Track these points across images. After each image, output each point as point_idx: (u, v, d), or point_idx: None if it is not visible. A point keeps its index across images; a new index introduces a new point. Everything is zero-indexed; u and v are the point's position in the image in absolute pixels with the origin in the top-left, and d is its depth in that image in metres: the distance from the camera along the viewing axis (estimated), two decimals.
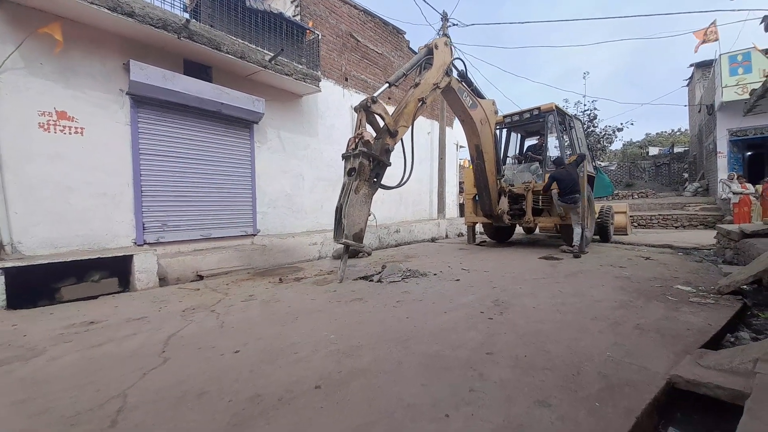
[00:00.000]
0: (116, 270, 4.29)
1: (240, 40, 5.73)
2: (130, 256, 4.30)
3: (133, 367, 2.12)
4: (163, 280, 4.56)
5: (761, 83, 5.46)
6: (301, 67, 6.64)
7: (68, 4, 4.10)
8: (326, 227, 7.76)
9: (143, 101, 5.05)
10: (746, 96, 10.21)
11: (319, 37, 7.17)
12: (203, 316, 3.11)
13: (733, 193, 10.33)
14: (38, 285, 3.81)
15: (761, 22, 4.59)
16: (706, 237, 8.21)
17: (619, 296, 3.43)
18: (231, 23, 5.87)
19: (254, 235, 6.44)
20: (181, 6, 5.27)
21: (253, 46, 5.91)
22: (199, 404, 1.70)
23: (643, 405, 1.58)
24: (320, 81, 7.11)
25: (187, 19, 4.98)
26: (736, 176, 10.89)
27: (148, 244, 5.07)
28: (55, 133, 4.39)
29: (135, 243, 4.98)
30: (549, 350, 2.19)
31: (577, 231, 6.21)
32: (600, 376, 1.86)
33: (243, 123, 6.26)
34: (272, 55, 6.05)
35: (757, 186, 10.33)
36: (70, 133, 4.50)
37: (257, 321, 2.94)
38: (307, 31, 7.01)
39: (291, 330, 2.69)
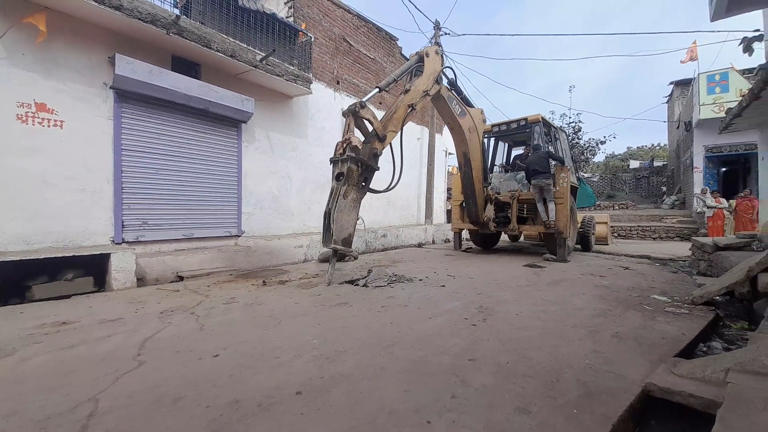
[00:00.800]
0: (92, 269, 4.14)
1: (231, 39, 5.67)
2: (107, 255, 4.16)
3: (107, 371, 2.04)
4: (141, 281, 4.42)
5: (737, 102, 5.72)
6: (292, 68, 6.62)
7: None
8: (313, 230, 7.70)
9: (128, 96, 4.92)
10: (722, 114, 10.69)
11: (312, 39, 7.17)
12: (182, 319, 3.02)
13: (707, 207, 10.77)
14: (8, 282, 3.64)
15: (740, 44, 4.81)
16: (682, 249, 8.51)
17: (598, 305, 3.51)
18: (222, 21, 5.81)
19: (238, 236, 6.33)
20: (172, 1, 5.19)
21: (245, 46, 5.86)
22: (174, 410, 1.65)
23: (619, 412, 1.61)
24: (311, 83, 7.09)
25: (177, 15, 4.90)
26: (708, 191, 11.36)
27: (127, 242, 4.91)
28: (33, 125, 4.24)
29: (113, 241, 4.82)
30: (530, 357, 2.22)
31: (540, 208, 6.66)
32: (579, 383, 1.89)
33: (231, 122, 6.18)
34: (264, 55, 6.01)
35: (731, 201, 10.80)
36: (48, 126, 4.35)
37: (239, 324, 2.87)
38: (300, 33, 7.00)
39: (273, 334, 2.64)
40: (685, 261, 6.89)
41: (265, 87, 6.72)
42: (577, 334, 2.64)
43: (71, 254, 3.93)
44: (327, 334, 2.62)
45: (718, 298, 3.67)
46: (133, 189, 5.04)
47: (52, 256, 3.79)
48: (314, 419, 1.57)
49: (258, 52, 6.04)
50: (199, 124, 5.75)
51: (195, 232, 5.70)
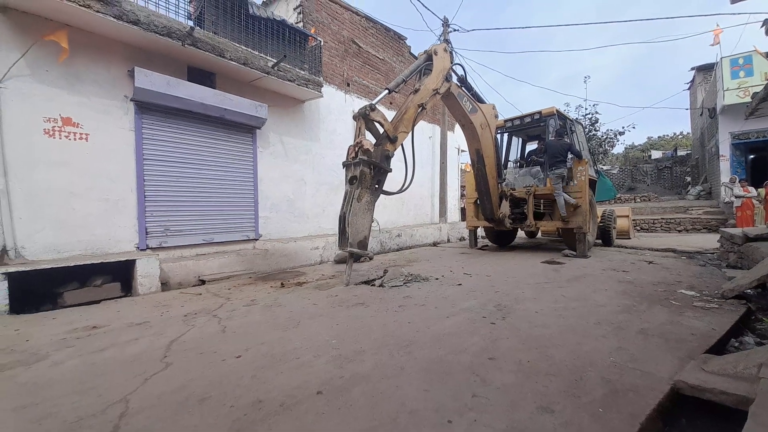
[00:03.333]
0: (119, 275, 4.30)
1: (243, 47, 5.80)
2: (133, 261, 4.32)
3: (135, 372, 2.12)
4: (165, 285, 4.57)
5: (763, 86, 5.46)
6: (303, 73, 6.71)
7: (74, 12, 4.17)
8: (328, 231, 7.77)
9: (147, 107, 5.10)
10: (748, 99, 10.20)
11: (321, 43, 7.25)
12: (205, 321, 3.11)
13: (735, 197, 10.29)
14: (41, 290, 3.83)
15: (762, 26, 4.60)
16: (710, 241, 8.15)
17: (622, 301, 3.41)
18: (234, 30, 5.94)
19: (256, 239, 6.46)
20: (185, 14, 5.34)
21: (256, 53, 5.98)
22: (200, 409, 1.70)
23: (647, 411, 1.57)
24: (322, 86, 7.17)
25: (191, 27, 5.04)
26: (737, 180, 10.86)
27: (151, 248, 5.09)
28: (60, 139, 4.44)
29: (137, 248, 5.00)
30: (552, 355, 2.18)
31: (560, 202, 6.54)
32: (603, 381, 1.84)
33: (246, 128, 6.31)
34: (275, 61, 6.11)
35: (760, 189, 10.29)
36: (74, 140, 4.55)
37: (259, 326, 2.94)
38: (310, 37, 7.08)
39: (293, 335, 2.68)
40: (713, 253, 6.60)
41: (277, 92, 6.84)
42: (600, 331, 2.58)
43: (99, 261, 4.10)
44: (345, 335, 2.65)
45: (749, 291, 3.51)
46: (154, 197, 5.22)
47: (81, 263, 3.97)
48: (335, 418, 1.59)
49: (269, 58, 6.14)
50: (215, 132, 5.90)
51: (215, 236, 5.85)
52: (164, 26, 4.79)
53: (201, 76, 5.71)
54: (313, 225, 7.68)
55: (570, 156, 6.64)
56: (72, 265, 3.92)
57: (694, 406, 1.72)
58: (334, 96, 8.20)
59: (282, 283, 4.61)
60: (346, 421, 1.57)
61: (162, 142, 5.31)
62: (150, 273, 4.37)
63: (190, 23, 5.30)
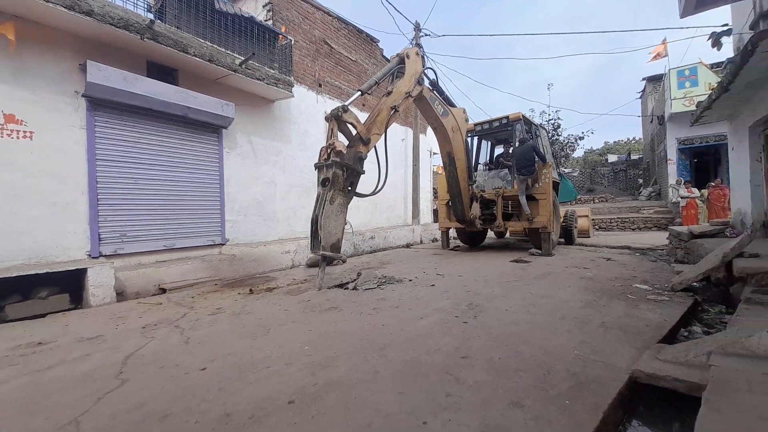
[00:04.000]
0: (68, 285, 3.96)
1: (208, 43, 5.56)
2: (84, 270, 3.99)
3: (87, 391, 1.95)
4: (121, 295, 4.26)
5: (707, 96, 5.98)
6: (273, 71, 6.54)
7: (22, 2, 3.82)
8: (300, 235, 7.61)
9: (101, 104, 4.75)
10: (693, 108, 11.17)
11: (292, 42, 7.11)
12: (166, 333, 2.93)
13: (681, 197, 11.21)
14: None
15: (708, 39, 5.02)
16: (660, 238, 8.82)
17: (584, 296, 3.59)
18: (199, 25, 5.69)
19: (222, 244, 6.19)
20: (145, 6, 5.04)
21: (223, 50, 5.75)
22: (161, 428, 1.58)
23: (609, 400, 1.65)
24: (293, 86, 7.02)
25: (151, 20, 4.77)
26: (683, 182, 11.83)
27: (105, 256, 4.73)
28: (2, 137, 4.03)
29: (89, 255, 4.63)
30: (521, 351, 2.25)
31: (522, 201, 6.85)
32: (569, 374, 1.92)
33: (211, 128, 6.05)
34: (243, 59, 5.91)
35: (703, 190, 11.27)
36: (18, 138, 4.15)
37: (226, 335, 2.80)
38: (280, 36, 6.93)
39: (263, 343, 2.58)
40: (663, 250, 7.14)
41: (245, 91, 6.62)
42: (565, 326, 2.69)
43: (44, 271, 3.75)
44: (318, 340, 2.59)
45: (695, 284, 3.82)
46: (109, 200, 4.86)
47: (24, 273, 3.61)
48: (309, 428, 1.54)
49: (237, 56, 5.93)
50: (177, 131, 5.61)
51: (177, 242, 5.54)
52: (121, 18, 4.49)
53: (162, 72, 5.41)
54: (284, 228, 7.49)
55: (536, 160, 6.94)
56: (14, 275, 3.55)
57: (650, 393, 1.83)
58: (305, 96, 8.06)
59: (251, 290, 4.44)
60: (319, 429, 1.52)
61: (118, 141, 4.97)
62: (103, 282, 4.05)
63: (150, 16, 5.01)
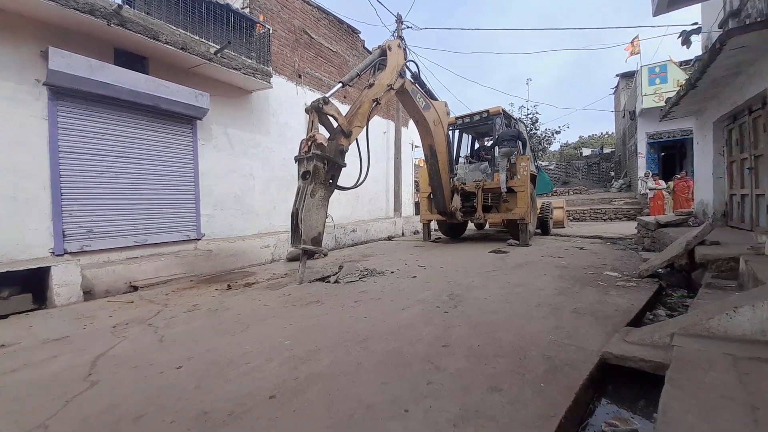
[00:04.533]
0: (30, 285, 3.73)
1: (181, 30, 5.30)
2: (47, 268, 3.77)
3: (55, 394, 1.86)
4: (88, 294, 4.07)
5: (676, 92, 6.26)
6: (250, 61, 6.32)
7: None
8: (280, 229, 7.48)
9: (65, 93, 4.46)
10: (662, 104, 11.68)
11: (270, 31, 6.89)
12: (139, 331, 2.82)
13: (649, 189, 11.76)
14: None
15: (679, 37, 5.23)
16: (629, 228, 9.24)
17: (558, 284, 3.73)
18: (171, 12, 5.40)
19: (198, 239, 6.00)
20: None
21: (197, 38, 5.50)
22: (135, 429, 1.53)
23: (580, 382, 1.72)
24: (272, 77, 6.82)
25: (119, 5, 4.49)
26: (651, 174, 12.41)
27: (70, 253, 4.49)
28: None
29: (53, 253, 4.38)
30: (500, 338, 2.31)
31: (502, 178, 7.12)
32: (544, 358, 1.99)
33: (185, 119, 5.80)
34: (218, 47, 5.68)
35: (669, 182, 11.86)
36: None
37: (203, 332, 2.73)
38: (257, 24, 6.69)
39: (242, 339, 2.54)
40: (631, 239, 7.49)
41: (221, 81, 6.38)
42: (540, 313, 2.78)
43: (4, 270, 3.52)
44: (299, 334, 2.57)
45: (661, 270, 4.03)
46: (74, 195, 4.60)
47: None
48: (290, 422, 1.53)
49: (212, 44, 5.69)
50: (148, 122, 5.34)
51: (149, 237, 5.32)
52: (86, 2, 4.20)
53: (131, 60, 5.12)
54: (263, 222, 7.34)
55: (518, 142, 7.20)
56: None
57: (618, 373, 1.92)
58: (284, 87, 7.86)
59: (229, 285, 4.34)
60: (301, 423, 1.51)
61: (83, 132, 4.69)
62: (69, 281, 3.85)
63: (118, 1, 4.72)
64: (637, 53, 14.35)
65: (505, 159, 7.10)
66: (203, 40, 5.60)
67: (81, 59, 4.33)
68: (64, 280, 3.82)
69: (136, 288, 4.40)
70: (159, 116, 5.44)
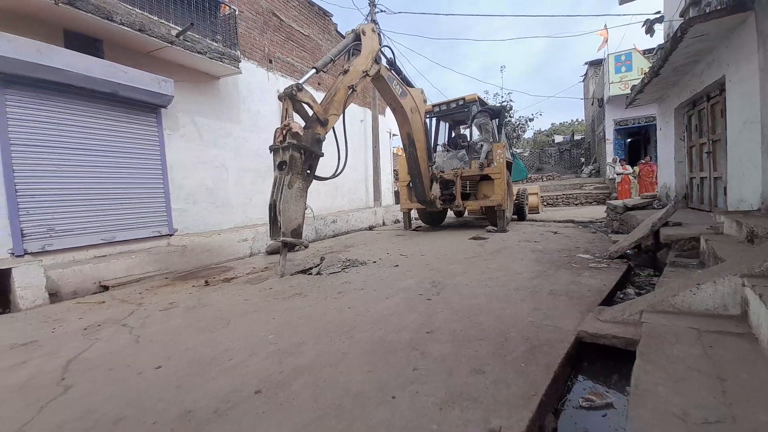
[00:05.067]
0: None
1: (138, 11, 4.94)
2: (7, 270, 3.52)
3: (27, 401, 1.75)
4: (54, 296, 3.84)
5: (640, 80, 6.51)
6: (216, 44, 6.00)
7: None
8: (257, 222, 7.30)
9: (11, 80, 4.08)
10: (628, 91, 12.17)
11: (236, 12, 6.55)
12: (112, 333, 2.70)
13: (617, 174, 12.32)
14: None
15: (643, 25, 5.41)
16: (599, 212, 9.69)
17: (535, 267, 3.86)
18: None
19: (170, 235, 5.76)
20: None
21: (155, 18, 5.15)
22: None
23: (558, 360, 1.81)
24: (240, 62, 6.52)
25: None
26: (618, 159, 12.98)
27: (31, 254, 4.20)
28: None
29: (13, 254, 4.08)
30: (481, 322, 2.38)
31: (485, 149, 7.53)
32: (524, 339, 2.07)
33: (148, 107, 5.47)
34: (180, 29, 5.35)
35: (635, 167, 12.46)
36: None
37: (181, 330, 2.64)
38: (222, 5, 6.34)
39: (223, 336, 2.48)
40: (601, 222, 7.86)
41: (185, 66, 6.03)
42: (519, 296, 2.88)
43: None
44: (283, 328, 2.53)
45: (629, 251, 4.26)
46: (31, 191, 4.27)
47: None
48: (277, 415, 1.51)
49: (173, 26, 5.35)
50: (108, 111, 5.00)
51: (116, 234, 5.05)
52: None
53: (83, 43, 4.74)
54: (239, 215, 7.13)
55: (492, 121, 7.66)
56: None
57: (593, 350, 2.03)
58: (255, 73, 7.55)
59: (206, 281, 4.21)
60: (288, 416, 1.51)
61: (36, 123, 4.33)
62: (32, 283, 3.61)
63: None
64: (605, 41, 14.77)
65: (481, 131, 7.55)
66: (163, 21, 5.25)
67: (28, 42, 3.97)
68: (27, 282, 3.58)
69: (106, 288, 4.19)
70: (119, 104, 5.10)
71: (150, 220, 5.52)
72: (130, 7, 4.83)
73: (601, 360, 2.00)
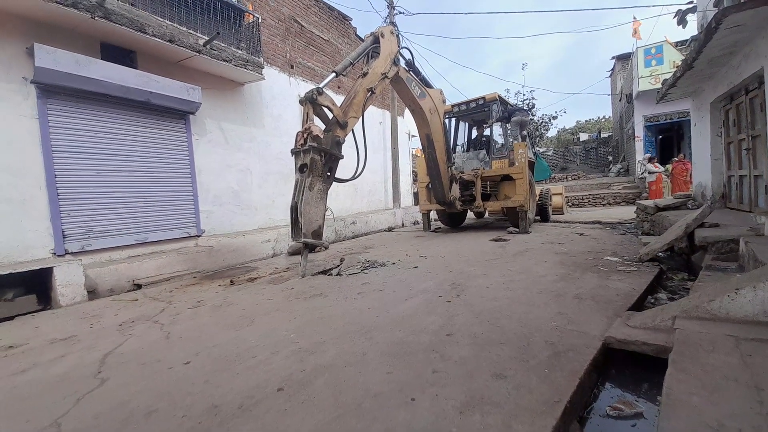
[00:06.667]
0: (34, 286, 3.74)
1: (168, 22, 5.18)
2: (50, 269, 3.77)
3: (65, 393, 1.88)
4: (92, 293, 4.08)
5: (672, 73, 6.19)
6: (240, 52, 6.21)
7: None
8: (279, 223, 7.47)
9: (53, 91, 4.38)
10: (659, 86, 11.59)
11: (260, 20, 6.75)
12: (145, 329, 2.84)
13: (649, 173, 11.74)
14: None
15: (674, 17, 5.14)
16: (628, 212, 9.27)
17: (559, 270, 3.75)
18: (157, 3, 5.27)
19: (198, 236, 5.99)
20: None
21: (184, 29, 5.38)
22: (147, 424, 1.55)
23: (584, 366, 1.75)
24: (263, 68, 6.71)
25: None
26: (651, 158, 12.39)
27: (71, 253, 4.48)
28: None
29: (54, 253, 4.37)
30: (502, 325, 2.33)
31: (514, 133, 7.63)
32: (547, 344, 2.02)
33: (177, 114, 5.73)
34: (207, 39, 5.57)
35: (667, 165, 11.85)
36: None
37: (208, 328, 2.75)
38: (246, 14, 6.55)
39: (247, 333, 2.56)
40: (631, 223, 7.52)
41: (212, 74, 6.27)
42: (542, 299, 2.81)
43: (6, 272, 3.52)
44: (304, 327, 2.59)
45: (661, 254, 4.06)
46: (71, 194, 4.57)
47: None
48: (299, 413, 1.55)
49: (201, 36, 5.58)
50: (141, 118, 5.27)
51: (149, 235, 5.31)
52: None
53: (118, 54, 5.02)
54: (262, 217, 7.32)
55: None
56: None
57: (621, 357, 1.95)
58: (277, 78, 7.75)
59: (231, 281, 4.36)
60: (310, 414, 1.54)
61: (75, 130, 4.63)
62: (72, 281, 3.85)
63: None
64: (637, 35, 14.12)
65: (517, 126, 7.47)
66: (191, 31, 5.48)
67: (67, 55, 4.25)
68: (68, 280, 3.83)
69: (139, 286, 4.41)
70: (151, 112, 5.37)
71: (180, 221, 5.77)
72: (161, 20, 5.08)
73: (630, 368, 1.92)
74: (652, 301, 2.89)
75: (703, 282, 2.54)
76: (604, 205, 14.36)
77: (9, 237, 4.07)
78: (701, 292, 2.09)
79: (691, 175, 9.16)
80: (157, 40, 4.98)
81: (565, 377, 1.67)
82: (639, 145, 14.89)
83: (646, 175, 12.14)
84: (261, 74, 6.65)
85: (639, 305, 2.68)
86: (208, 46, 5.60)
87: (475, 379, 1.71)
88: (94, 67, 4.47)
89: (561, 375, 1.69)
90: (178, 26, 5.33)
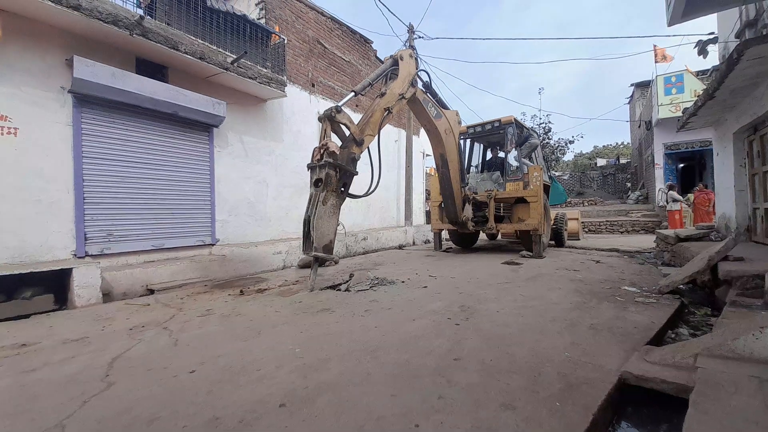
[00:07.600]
0: (52, 286, 3.86)
1: (199, 41, 5.49)
2: (69, 270, 3.89)
3: (73, 394, 1.90)
4: (107, 296, 4.17)
5: (693, 102, 6.11)
6: (265, 71, 6.49)
7: None
8: (292, 235, 7.55)
9: (88, 101, 4.66)
10: (679, 114, 11.42)
11: (285, 41, 7.07)
12: (154, 334, 2.87)
13: (673, 201, 11.38)
14: None
15: (695, 47, 5.13)
16: (647, 241, 8.99)
17: (574, 298, 3.63)
18: (190, 23, 5.62)
19: (213, 244, 6.11)
20: (135, 1, 4.96)
21: (214, 48, 5.69)
22: None
23: (598, 402, 1.66)
24: (286, 86, 6.98)
25: (141, 16, 4.69)
26: (671, 185, 12.07)
27: (91, 256, 4.63)
28: None
29: (75, 255, 4.53)
30: (513, 353, 2.26)
31: (527, 161, 7.70)
32: (560, 376, 1.94)
33: (202, 126, 5.97)
34: (235, 57, 5.86)
35: (689, 195, 11.50)
36: (2, 135, 4.04)
37: (215, 337, 2.76)
38: (273, 35, 6.88)
39: (253, 345, 2.55)
40: (650, 252, 7.26)
41: (237, 90, 6.55)
42: (555, 328, 2.71)
43: (28, 271, 3.64)
44: (310, 342, 2.56)
45: (682, 286, 3.89)
46: (96, 199, 4.76)
47: (6, 273, 3.51)
48: (299, 431, 1.52)
49: (229, 54, 5.88)
50: (167, 129, 5.52)
51: (165, 242, 5.45)
52: (110, 13, 4.41)
53: (151, 69, 5.32)
54: (275, 229, 7.43)
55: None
56: None
57: (639, 394, 1.85)
58: (298, 96, 8.02)
59: (241, 291, 4.39)
60: None
61: (105, 138, 4.87)
62: (89, 283, 3.96)
63: (140, 12, 4.93)
64: (663, 59, 14.04)
65: (528, 150, 7.63)
66: (220, 50, 5.78)
67: (104, 68, 4.53)
68: (85, 282, 3.93)
69: (152, 291, 4.49)
70: (178, 124, 5.62)
71: (196, 229, 5.91)
72: (193, 38, 5.39)
73: (648, 406, 1.81)
74: (673, 335, 2.75)
75: (727, 318, 2.41)
76: (621, 232, 13.97)
77: (34, 237, 4.24)
78: (725, 330, 1.99)
79: (713, 205, 8.86)
80: (189, 57, 5.27)
81: (577, 412, 1.59)
82: (659, 173, 14.58)
83: (668, 203, 11.81)
84: (283, 91, 6.91)
85: (658, 340, 2.56)
86: (235, 64, 5.88)
87: (482, 408, 1.65)
88: (128, 80, 4.74)
89: (573, 410, 1.61)
90: (209, 44, 5.63)
